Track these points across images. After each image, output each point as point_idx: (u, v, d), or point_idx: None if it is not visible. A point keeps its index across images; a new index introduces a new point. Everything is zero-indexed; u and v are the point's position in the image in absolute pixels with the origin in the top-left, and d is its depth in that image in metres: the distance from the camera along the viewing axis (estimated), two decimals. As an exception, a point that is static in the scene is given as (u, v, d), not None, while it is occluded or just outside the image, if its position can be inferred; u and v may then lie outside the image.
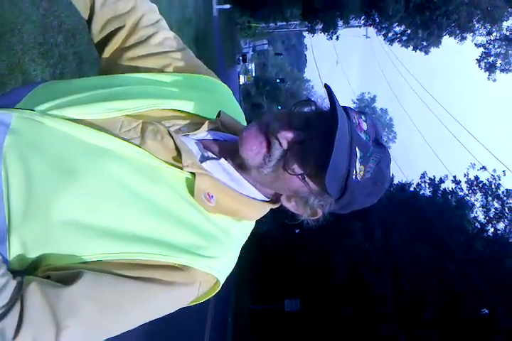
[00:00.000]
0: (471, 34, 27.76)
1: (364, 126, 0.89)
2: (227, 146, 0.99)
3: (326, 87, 0.90)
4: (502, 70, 27.94)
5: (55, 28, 4.01)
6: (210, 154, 0.97)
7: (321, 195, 0.93)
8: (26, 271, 0.84)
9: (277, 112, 0.95)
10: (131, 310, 0.84)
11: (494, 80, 28.85)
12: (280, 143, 0.87)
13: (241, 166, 0.94)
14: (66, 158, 0.85)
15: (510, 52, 27.22)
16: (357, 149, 0.85)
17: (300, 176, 0.89)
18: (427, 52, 29.63)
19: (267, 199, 1.02)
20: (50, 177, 0.83)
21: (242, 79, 40.35)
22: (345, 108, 0.89)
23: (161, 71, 1.10)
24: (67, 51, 4.19)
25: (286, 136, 0.87)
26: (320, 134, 0.86)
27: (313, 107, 0.94)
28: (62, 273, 0.80)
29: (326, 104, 0.93)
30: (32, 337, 0.75)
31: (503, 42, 27.08)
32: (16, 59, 3.40)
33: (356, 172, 0.86)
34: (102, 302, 0.80)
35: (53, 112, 0.89)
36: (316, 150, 0.86)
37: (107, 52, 1.15)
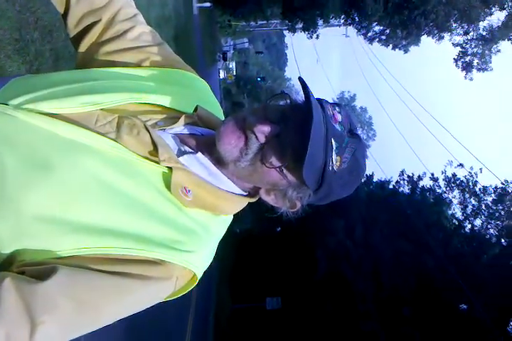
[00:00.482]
0: (449, 33, 28.09)
1: (338, 117, 0.90)
2: (204, 140, 0.99)
3: (300, 79, 0.91)
4: (478, 69, 28.27)
5: (31, 24, 3.94)
6: (187, 148, 0.97)
7: (299, 187, 0.93)
8: (0, 266, 0.83)
9: (254, 107, 0.95)
10: (107, 304, 0.83)
11: (471, 79, 29.20)
12: (257, 137, 0.88)
13: (218, 160, 0.94)
14: (40, 152, 0.84)
15: (486, 51, 27.59)
16: (332, 140, 0.86)
17: (278, 169, 0.90)
18: (406, 51, 29.87)
19: (245, 193, 1.02)
20: (23, 171, 0.82)
21: (222, 75, 40.17)
22: (319, 100, 0.91)
23: (137, 65, 1.09)
24: (43, 48, 4.12)
25: (262, 130, 0.87)
26: (296, 127, 0.87)
27: (288, 100, 0.94)
28: (37, 269, 0.79)
29: (301, 97, 0.93)
30: (5, 333, 0.73)
31: (480, 42, 27.44)
32: (-10, 55, 3.34)
33: (332, 162, 0.86)
34: (78, 297, 0.79)
35: (27, 106, 0.88)
36: (292, 143, 0.86)
37: (83, 47, 1.13)
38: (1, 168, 0.82)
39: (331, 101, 0.95)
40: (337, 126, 0.88)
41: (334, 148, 0.86)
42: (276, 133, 0.88)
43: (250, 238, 21.85)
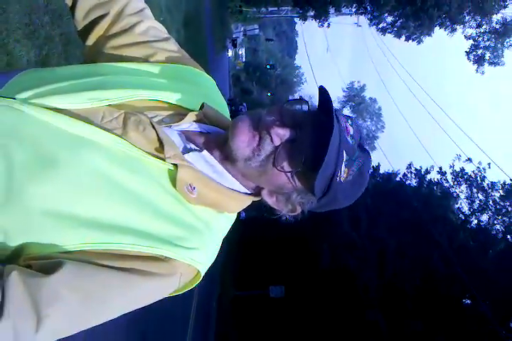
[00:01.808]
0: (462, 26, 27.79)
1: (351, 130, 0.92)
2: (210, 138, 0.99)
3: (322, 89, 0.92)
4: (490, 63, 28.03)
5: (41, 8, 3.93)
6: (192, 146, 0.97)
7: (303, 193, 0.95)
8: (7, 260, 0.83)
9: (269, 107, 0.96)
10: (112, 299, 0.84)
11: (482, 73, 28.96)
12: (272, 139, 0.89)
13: (227, 157, 0.95)
14: (46, 147, 0.84)
15: (499, 45, 27.31)
16: (344, 152, 0.88)
17: (288, 174, 0.91)
18: (419, 42, 29.61)
19: (249, 192, 1.02)
20: (30, 165, 0.82)
21: (229, 53, 40.05)
22: (335, 110, 0.91)
23: (145, 60, 1.09)
24: (53, 32, 4.11)
25: (278, 133, 0.89)
26: (312, 135, 0.89)
27: (305, 106, 0.95)
28: (43, 263, 0.80)
29: (316, 102, 0.95)
30: (12, 326, 0.74)
31: (493, 35, 27.15)
32: (0, 39, 3.32)
33: (341, 174, 0.89)
34: (83, 291, 0.80)
35: (34, 101, 0.88)
36: (307, 151, 0.88)
37: (91, 40, 1.13)
38: (9, 162, 0.82)
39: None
40: (349, 138, 0.90)
41: (344, 160, 0.88)
42: (292, 138, 0.89)
43: (255, 226, 21.93)
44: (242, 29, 50.46)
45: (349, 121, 0.93)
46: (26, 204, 0.81)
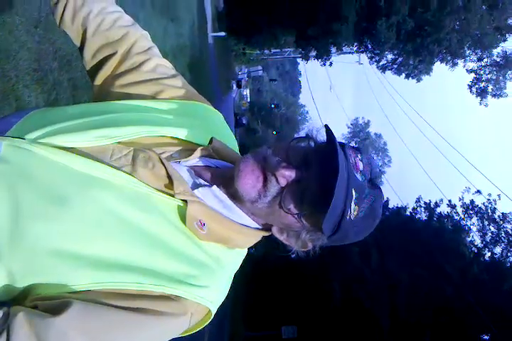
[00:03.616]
0: (462, 60, 28.23)
1: (360, 165, 0.90)
2: (219, 173, 0.99)
3: (326, 127, 0.92)
4: (493, 95, 28.27)
5: (50, 54, 4.03)
6: (201, 181, 0.97)
7: (313, 231, 0.93)
8: (14, 301, 0.82)
9: (275, 145, 0.95)
10: (120, 340, 0.82)
11: (486, 105, 29.16)
12: (277, 180, 0.88)
13: (234, 196, 0.94)
14: (55, 186, 0.84)
15: (500, 77, 27.63)
16: (353, 191, 0.86)
17: (296, 215, 0.90)
18: (418, 80, 30.02)
19: (260, 227, 1.01)
20: (38, 205, 0.81)
21: (234, 86, 40.82)
22: (342, 145, 0.90)
23: (153, 98, 1.10)
24: (61, 77, 4.20)
25: (285, 175, 0.88)
26: (319, 175, 0.87)
27: (312, 143, 0.94)
28: (50, 303, 0.78)
29: (323, 138, 0.94)
30: None
31: (494, 68, 27.51)
32: (9, 85, 3.40)
33: (351, 212, 0.86)
34: (91, 332, 0.78)
35: (43, 140, 0.89)
36: (313, 192, 0.87)
37: (99, 80, 1.15)
38: (16, 201, 0.81)
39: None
40: (358, 175, 0.88)
41: (354, 198, 0.86)
42: (298, 179, 0.88)
43: (265, 264, 21.65)
44: (246, 70, 51.54)
45: (359, 155, 0.91)
46: (32, 244, 0.79)
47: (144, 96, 1.09)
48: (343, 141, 0.93)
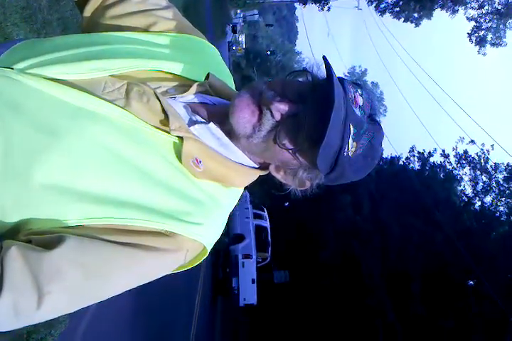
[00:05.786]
0: (463, 7, 27.46)
1: (360, 100, 0.87)
2: (216, 110, 0.96)
3: (324, 59, 0.87)
4: (492, 44, 27.71)
5: (38, -8, 3.87)
6: (198, 118, 0.94)
7: (310, 169, 0.91)
8: (6, 235, 0.81)
9: (271, 80, 0.91)
10: (115, 275, 0.82)
11: (484, 54, 28.66)
12: (272, 114, 0.85)
13: (230, 133, 0.92)
14: (46, 118, 0.81)
15: (501, 26, 26.97)
16: (351, 126, 0.83)
17: (291, 151, 0.87)
18: (417, 24, 29.35)
19: (257, 166, 0.99)
20: (29, 138, 0.79)
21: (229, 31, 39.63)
22: (341, 80, 0.87)
23: (145, 30, 1.05)
24: (51, 16, 4.06)
25: (279, 108, 0.85)
26: (314, 109, 0.84)
27: (309, 77, 0.91)
28: (44, 238, 0.78)
29: (321, 73, 0.90)
30: (12, 302, 0.73)
31: (495, 16, 26.80)
32: (-3, 23, 3.29)
33: (348, 148, 0.84)
34: (86, 267, 0.78)
35: (33, 71, 0.85)
36: (309, 126, 0.84)
37: (88, 11, 1.09)
38: (7, 134, 0.79)
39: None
40: (357, 110, 0.85)
41: (351, 133, 0.84)
42: (293, 113, 0.85)
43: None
44: (241, 15, 49.99)
45: (358, 90, 0.88)
46: (25, 177, 0.78)
47: (135, 28, 1.04)
48: (343, 76, 0.90)
